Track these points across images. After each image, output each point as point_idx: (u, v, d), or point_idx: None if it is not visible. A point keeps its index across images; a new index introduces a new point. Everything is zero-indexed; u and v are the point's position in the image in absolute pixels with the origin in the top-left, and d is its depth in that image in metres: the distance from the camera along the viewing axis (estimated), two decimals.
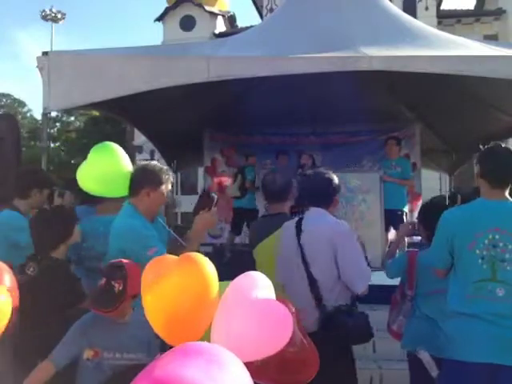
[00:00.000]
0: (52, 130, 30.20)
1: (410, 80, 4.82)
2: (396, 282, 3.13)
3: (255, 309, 1.63)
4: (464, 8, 23.39)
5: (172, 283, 1.70)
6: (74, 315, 2.42)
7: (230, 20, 25.96)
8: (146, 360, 2.29)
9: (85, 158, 2.79)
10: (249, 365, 1.20)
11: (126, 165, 2.83)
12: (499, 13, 20.85)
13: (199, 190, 8.39)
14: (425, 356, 2.71)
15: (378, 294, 3.09)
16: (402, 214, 6.13)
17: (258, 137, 7.95)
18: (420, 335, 2.84)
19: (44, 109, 3.94)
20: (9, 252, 3.07)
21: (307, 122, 7.54)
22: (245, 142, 7.94)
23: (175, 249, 2.53)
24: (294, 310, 1.88)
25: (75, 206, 3.47)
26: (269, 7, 20.84)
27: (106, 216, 3.09)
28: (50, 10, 26.87)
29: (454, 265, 2.52)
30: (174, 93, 4.30)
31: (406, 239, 4.77)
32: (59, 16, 27.09)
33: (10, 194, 3.32)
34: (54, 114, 22.65)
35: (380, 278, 3.19)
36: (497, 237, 2.35)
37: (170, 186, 2.85)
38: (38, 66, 6.78)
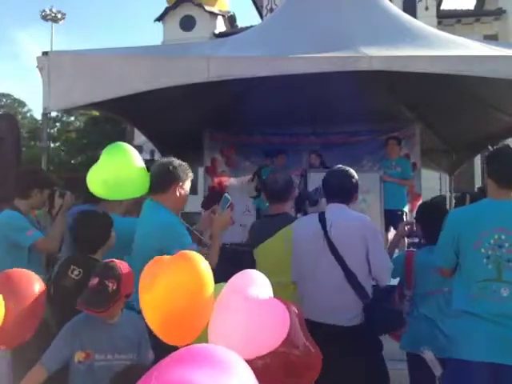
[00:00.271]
0: (52, 130, 30.18)
1: (410, 80, 4.82)
2: (395, 281, 3.13)
3: (252, 306, 1.63)
4: (464, 8, 23.38)
5: (166, 281, 1.71)
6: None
7: (230, 20, 25.95)
8: (137, 361, 2.30)
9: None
10: (253, 367, 1.19)
11: (139, 164, 2.77)
12: (499, 13, 20.84)
13: (199, 190, 8.36)
14: (429, 355, 2.72)
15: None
16: (402, 214, 6.14)
17: (258, 137, 7.94)
18: (419, 336, 2.84)
19: (44, 109, 3.93)
20: (9, 252, 3.08)
21: (307, 122, 7.53)
22: (245, 141, 7.94)
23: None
24: (297, 311, 1.88)
25: (76, 206, 3.47)
26: (269, 7, 20.83)
27: None
28: (50, 10, 26.89)
29: (459, 264, 2.52)
30: (174, 93, 4.30)
31: (405, 239, 4.78)
32: (59, 16, 27.11)
33: (10, 193, 3.32)
34: (54, 114, 22.65)
35: None
36: (503, 237, 2.35)
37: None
38: (37, 66, 6.78)
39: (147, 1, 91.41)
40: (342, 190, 2.87)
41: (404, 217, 6.15)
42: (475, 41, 4.52)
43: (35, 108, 49.60)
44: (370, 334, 2.68)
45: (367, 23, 4.42)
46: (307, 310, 2.67)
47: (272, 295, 1.73)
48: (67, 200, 3.29)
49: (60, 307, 2.57)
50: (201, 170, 8.30)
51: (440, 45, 4.17)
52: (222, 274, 1.92)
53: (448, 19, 20.95)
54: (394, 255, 3.26)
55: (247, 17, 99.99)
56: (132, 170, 2.72)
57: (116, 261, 2.28)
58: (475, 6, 23.97)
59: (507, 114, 5.57)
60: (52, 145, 29.68)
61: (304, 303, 2.73)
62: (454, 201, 7.03)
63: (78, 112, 28.54)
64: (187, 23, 24.42)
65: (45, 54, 4.09)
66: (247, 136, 7.96)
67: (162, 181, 2.71)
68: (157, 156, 9.80)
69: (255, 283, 1.70)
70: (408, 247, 4.83)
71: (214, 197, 2.96)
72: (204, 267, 1.76)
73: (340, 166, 3.02)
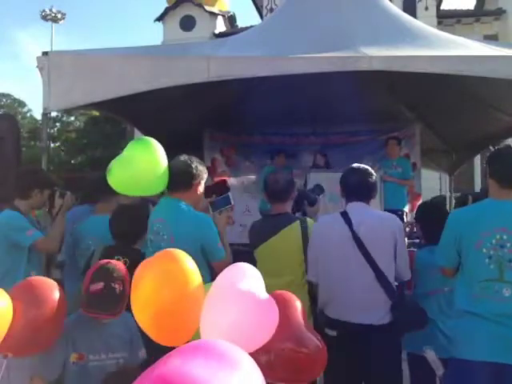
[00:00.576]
0: (52, 130, 30.10)
1: (410, 80, 4.82)
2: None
3: (241, 297, 1.63)
4: (464, 8, 23.35)
5: (152, 280, 1.70)
6: None
7: (230, 20, 25.92)
8: (130, 359, 2.30)
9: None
10: (258, 364, 1.18)
11: (165, 161, 2.74)
12: (499, 13, 20.82)
13: None
14: (431, 355, 2.72)
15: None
16: (402, 214, 6.14)
17: (258, 137, 7.94)
18: (419, 335, 2.84)
19: (44, 109, 3.93)
20: (9, 252, 3.08)
21: (307, 122, 7.52)
22: (245, 141, 7.93)
23: None
24: (300, 308, 1.88)
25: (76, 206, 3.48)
26: (269, 7, 20.81)
27: (105, 215, 3.09)
28: (50, 9, 26.86)
29: (461, 264, 2.53)
30: (174, 93, 4.29)
31: (406, 239, 4.77)
32: (59, 16, 27.08)
33: (10, 194, 3.32)
34: (54, 114, 22.63)
35: None
36: (504, 237, 2.36)
37: None
38: (38, 66, 6.79)
39: (147, 1, 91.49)
40: (364, 189, 2.87)
41: (404, 217, 6.15)
42: (475, 41, 4.51)
43: (35, 108, 49.50)
44: (398, 332, 2.73)
45: (367, 23, 4.41)
46: (337, 310, 2.71)
47: (263, 287, 1.71)
48: (67, 200, 3.29)
49: None
50: None
51: (440, 45, 4.16)
52: None
53: (448, 19, 20.92)
54: None
55: (247, 17, 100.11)
56: (159, 166, 2.69)
57: (112, 261, 2.28)
58: (475, 6, 23.95)
59: (507, 114, 5.57)
60: (52, 145, 29.62)
61: (332, 304, 2.75)
62: (454, 201, 7.04)
63: (78, 112, 28.48)
64: (187, 23, 24.39)
65: (45, 54, 4.09)
66: (247, 136, 7.95)
67: (185, 179, 2.72)
68: None
69: (245, 275, 1.69)
70: (408, 247, 4.82)
71: (216, 188, 2.95)
72: (190, 266, 1.75)
73: (358, 164, 3.00)
